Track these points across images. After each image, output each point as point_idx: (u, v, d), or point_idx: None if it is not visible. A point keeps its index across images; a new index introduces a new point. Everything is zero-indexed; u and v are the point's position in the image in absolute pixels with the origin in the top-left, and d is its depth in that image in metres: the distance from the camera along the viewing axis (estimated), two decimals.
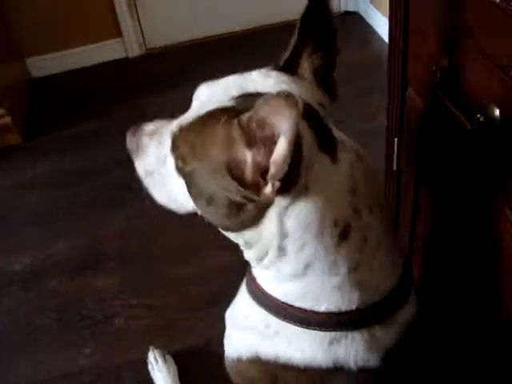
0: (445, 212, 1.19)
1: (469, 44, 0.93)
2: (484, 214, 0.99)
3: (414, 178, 1.31)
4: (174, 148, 0.92)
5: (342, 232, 0.86)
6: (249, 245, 0.93)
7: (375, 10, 3.42)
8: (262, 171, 0.79)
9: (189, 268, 2.13)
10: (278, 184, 0.78)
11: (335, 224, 0.85)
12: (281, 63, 0.95)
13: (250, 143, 0.77)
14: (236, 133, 0.78)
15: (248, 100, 0.84)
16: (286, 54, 0.95)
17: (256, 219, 0.87)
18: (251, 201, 0.83)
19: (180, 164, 0.91)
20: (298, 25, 0.92)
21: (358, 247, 0.88)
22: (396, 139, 1.35)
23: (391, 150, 1.41)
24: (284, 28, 3.62)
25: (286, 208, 0.84)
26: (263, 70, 0.94)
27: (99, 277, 2.18)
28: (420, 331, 1.02)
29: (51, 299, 2.13)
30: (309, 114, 0.83)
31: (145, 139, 0.99)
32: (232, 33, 3.61)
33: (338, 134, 0.90)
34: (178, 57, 3.51)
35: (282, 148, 0.73)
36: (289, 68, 0.94)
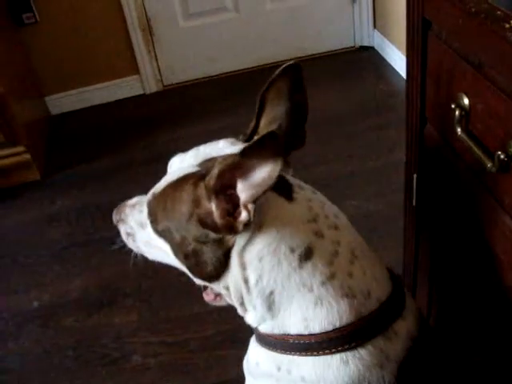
0: (464, 248, 1.18)
1: (487, 82, 0.93)
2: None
3: (433, 215, 1.30)
4: (150, 212, 1.03)
5: (302, 255, 0.92)
6: (228, 290, 1.00)
7: (391, 44, 3.44)
8: (229, 213, 0.89)
9: (207, 305, 2.11)
10: (252, 206, 0.87)
11: (291, 250, 0.92)
12: (248, 131, 1.07)
13: (212, 197, 0.89)
14: (201, 191, 0.90)
15: (209, 162, 0.97)
16: (252, 124, 1.06)
17: (223, 263, 0.95)
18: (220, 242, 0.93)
19: (154, 225, 1.02)
20: (258, 97, 1.03)
21: (327, 261, 0.93)
22: (415, 175, 1.35)
23: (410, 186, 1.40)
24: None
25: (244, 246, 0.93)
26: (230, 140, 1.05)
27: (117, 314, 2.18)
28: (433, 351, 1.02)
29: (69, 337, 2.12)
30: None
31: (127, 210, 1.13)
32: (247, 69, 3.64)
33: (294, 180, 1.01)
34: (195, 93, 3.55)
35: (268, 170, 0.81)
36: (253, 135, 1.06)
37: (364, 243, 1.04)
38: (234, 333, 1.98)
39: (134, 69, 3.55)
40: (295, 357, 0.96)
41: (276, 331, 0.97)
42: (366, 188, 2.56)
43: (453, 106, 1.03)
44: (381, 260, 1.06)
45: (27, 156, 2.89)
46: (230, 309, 2.09)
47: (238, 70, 3.64)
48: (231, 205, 0.89)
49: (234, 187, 0.87)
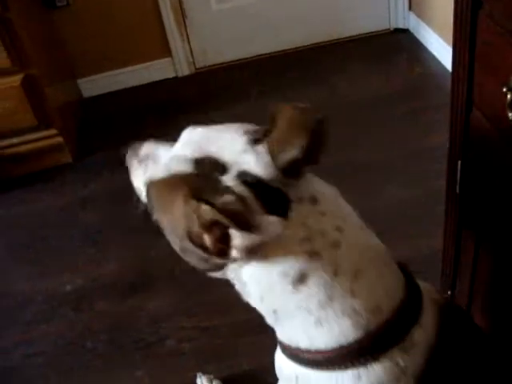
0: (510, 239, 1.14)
1: None
2: None
3: (479, 203, 1.26)
4: (147, 195, 1.01)
5: (295, 279, 0.87)
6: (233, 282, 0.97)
7: (426, 26, 3.36)
8: (221, 239, 0.83)
9: None
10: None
11: (284, 275, 0.87)
12: (260, 133, 0.94)
13: (205, 228, 0.83)
14: (189, 212, 0.84)
15: (205, 166, 0.91)
16: (265, 128, 0.94)
17: (221, 267, 0.93)
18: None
19: (150, 210, 0.99)
20: (273, 109, 0.94)
21: (324, 283, 0.86)
22: (459, 162, 1.31)
23: (453, 173, 1.36)
24: (330, 47, 3.61)
25: (241, 265, 0.90)
26: (244, 128, 0.96)
27: (151, 298, 2.17)
28: (458, 361, 0.96)
29: (102, 321, 2.12)
30: (256, 186, 0.87)
31: (135, 163, 1.08)
32: (281, 52, 3.59)
33: (296, 192, 0.89)
34: (228, 76, 3.51)
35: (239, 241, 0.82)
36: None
37: (374, 244, 0.96)
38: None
39: (167, 51, 3.52)
40: (310, 370, 0.93)
41: (287, 342, 0.96)
42: (402, 174, 2.52)
43: (504, 90, 0.99)
44: (391, 260, 0.97)
45: (60, 139, 2.88)
46: None
47: (272, 53, 3.59)
48: (224, 232, 0.83)
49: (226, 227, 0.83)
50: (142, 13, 3.38)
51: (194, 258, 0.92)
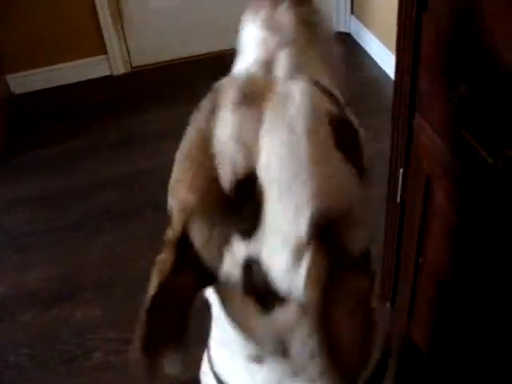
0: (459, 258, 1.09)
1: (492, 68, 0.83)
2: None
3: (421, 213, 1.21)
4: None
5: (255, 357, 0.74)
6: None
7: (368, 31, 3.34)
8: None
9: None
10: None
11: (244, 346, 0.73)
12: None
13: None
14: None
15: (251, 87, 0.68)
16: None
17: None
18: None
19: None
20: None
21: (279, 376, 0.73)
22: (401, 170, 1.25)
23: (395, 181, 1.31)
24: None
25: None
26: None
27: (77, 308, 2.05)
28: None
29: (25, 333, 1.99)
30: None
31: None
32: (220, 52, 3.52)
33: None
34: (164, 75, 3.42)
35: None
36: None
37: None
38: (198, 331, 1.87)
39: (102, 49, 3.39)
40: None
41: (217, 368, 0.86)
42: None
43: (451, 96, 0.94)
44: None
45: None
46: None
47: (210, 53, 3.51)
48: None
49: None
50: (76, 7, 3.24)
51: None
